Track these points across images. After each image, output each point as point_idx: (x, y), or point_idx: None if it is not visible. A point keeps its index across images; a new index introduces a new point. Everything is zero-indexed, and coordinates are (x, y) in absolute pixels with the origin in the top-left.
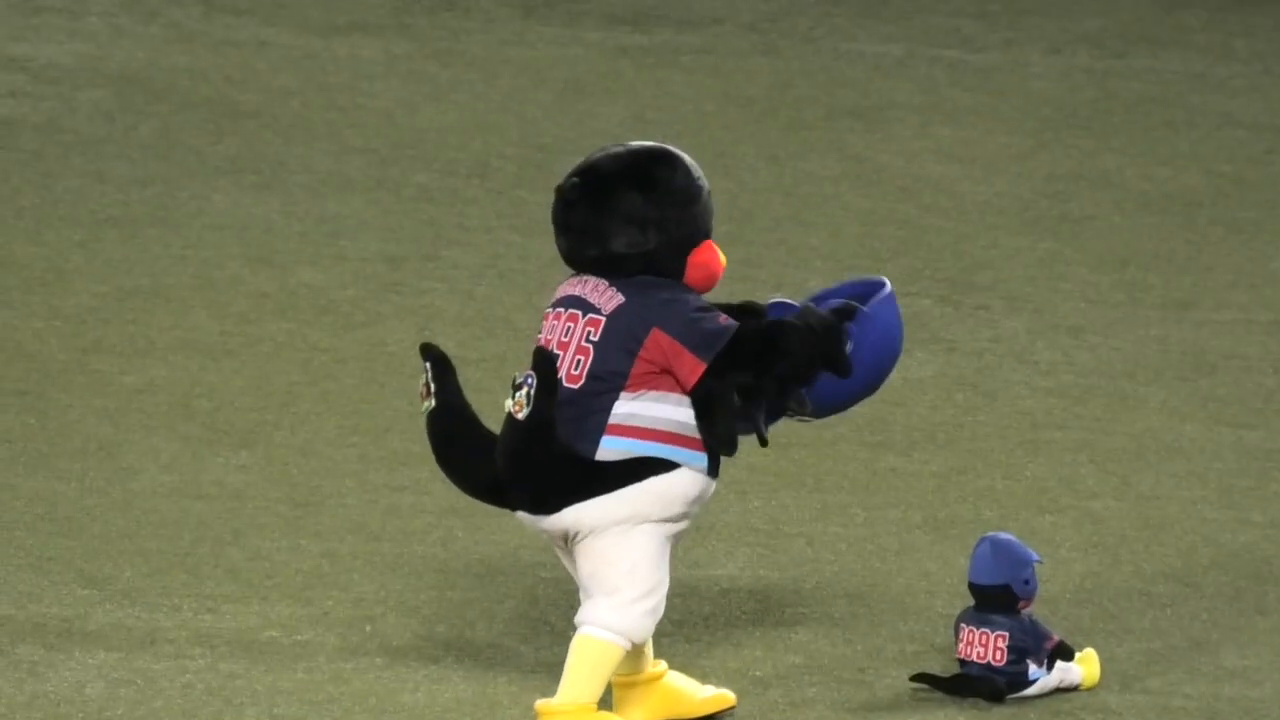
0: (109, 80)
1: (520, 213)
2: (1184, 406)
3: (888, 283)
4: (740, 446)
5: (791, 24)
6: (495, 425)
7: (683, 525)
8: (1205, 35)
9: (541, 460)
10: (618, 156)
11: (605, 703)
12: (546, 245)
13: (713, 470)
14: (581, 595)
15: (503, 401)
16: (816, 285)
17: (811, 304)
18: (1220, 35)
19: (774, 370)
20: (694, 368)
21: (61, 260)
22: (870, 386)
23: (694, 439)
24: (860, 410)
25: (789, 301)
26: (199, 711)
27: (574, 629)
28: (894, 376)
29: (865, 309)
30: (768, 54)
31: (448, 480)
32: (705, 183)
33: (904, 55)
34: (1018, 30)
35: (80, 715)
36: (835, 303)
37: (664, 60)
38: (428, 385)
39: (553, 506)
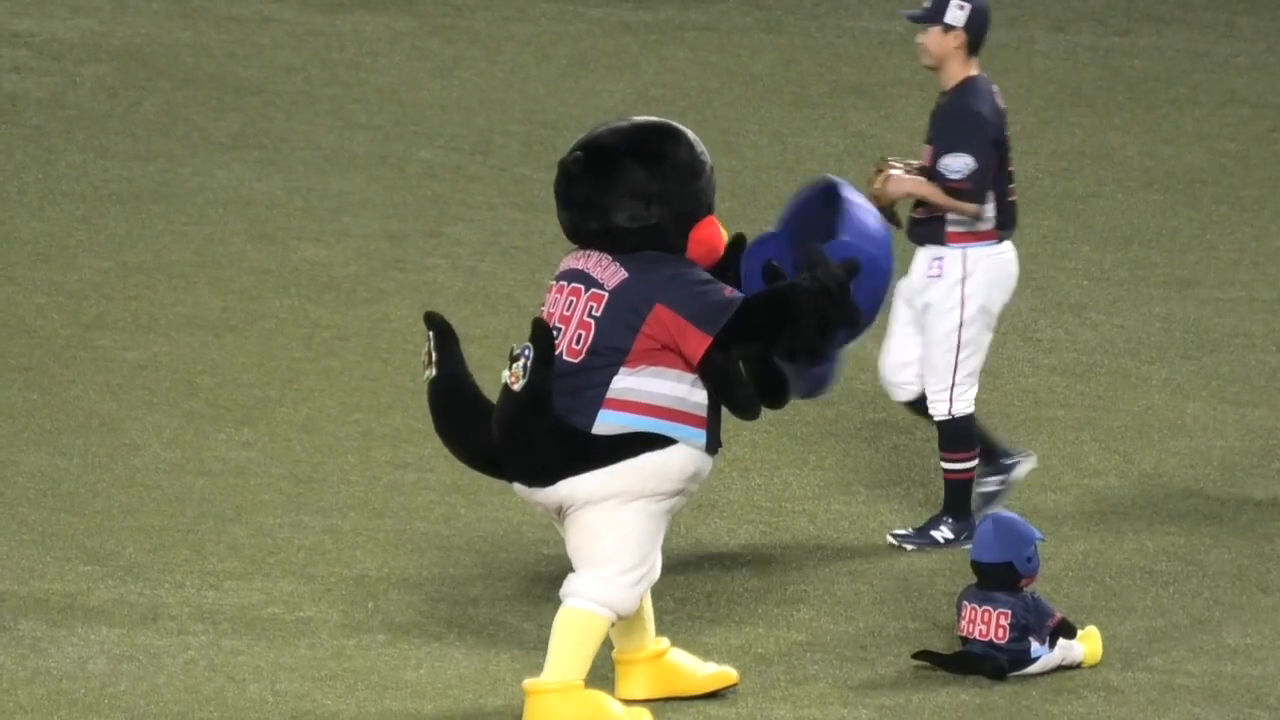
0: (112, 56)
1: (524, 190)
2: (1187, 384)
3: (840, 185)
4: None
5: (794, 3)
6: (495, 398)
7: (678, 501)
8: (1209, 13)
9: (536, 432)
10: (621, 131)
11: (608, 688)
12: (550, 222)
13: (711, 447)
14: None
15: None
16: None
17: (818, 249)
18: (1224, 13)
19: (783, 339)
20: (700, 341)
21: (64, 236)
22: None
23: (692, 415)
24: (862, 388)
25: (773, 232)
26: (202, 687)
27: (560, 601)
28: None
29: (862, 254)
30: (771, 31)
31: (448, 452)
32: (709, 158)
33: (907, 32)
34: (1022, 8)
35: (83, 691)
36: (836, 248)
37: (668, 37)
38: (430, 354)
39: (546, 479)
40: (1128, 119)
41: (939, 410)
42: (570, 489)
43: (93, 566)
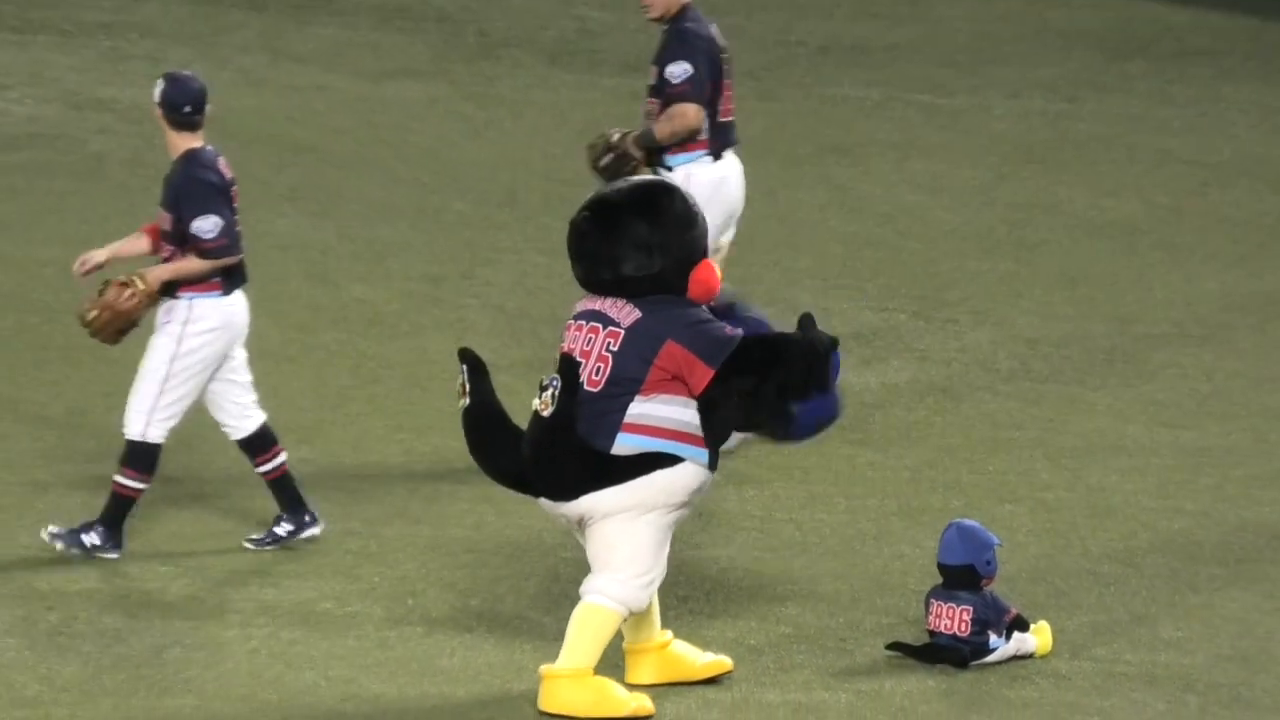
0: None
1: (545, 236)
2: (1127, 410)
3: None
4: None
5: (786, 72)
6: (523, 422)
7: (683, 514)
8: (1146, 82)
9: (562, 453)
10: (622, 190)
11: (617, 673)
12: (568, 265)
13: (712, 464)
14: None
15: (530, 402)
16: (807, 300)
17: (811, 318)
18: (1159, 82)
19: (774, 376)
20: (704, 373)
21: None
22: (833, 417)
23: (697, 437)
24: (846, 412)
25: (754, 316)
26: (263, 673)
27: (579, 597)
28: (873, 382)
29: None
30: (764, 98)
31: (479, 469)
32: (700, 209)
33: (882, 99)
34: (981, 78)
35: (159, 676)
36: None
37: None
38: (464, 385)
39: (570, 494)
40: (1074, 175)
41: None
42: (591, 503)
43: (168, 567)
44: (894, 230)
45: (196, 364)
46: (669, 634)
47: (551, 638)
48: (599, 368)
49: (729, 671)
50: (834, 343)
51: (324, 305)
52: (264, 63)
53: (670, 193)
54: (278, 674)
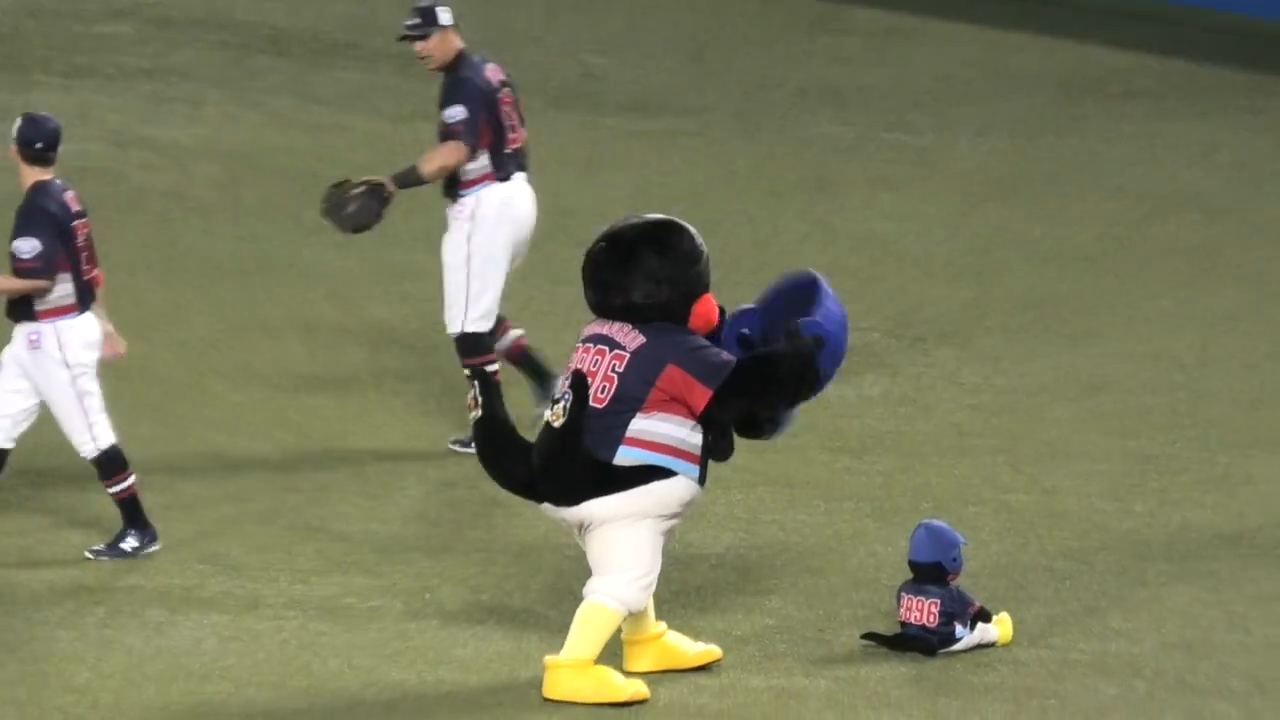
0: (220, 156)
1: (550, 264)
2: (1081, 420)
3: (819, 279)
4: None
5: (768, 113)
6: (530, 434)
7: (675, 523)
8: (1098, 122)
9: (570, 460)
10: (637, 226)
11: (613, 666)
12: (571, 291)
13: (702, 480)
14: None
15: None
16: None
17: (796, 325)
18: (1110, 122)
19: (768, 394)
20: (703, 395)
21: (183, 301)
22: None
23: (690, 453)
24: (821, 422)
25: (750, 308)
26: (293, 661)
27: (583, 596)
28: (849, 394)
29: (826, 333)
30: (748, 137)
31: (489, 476)
32: (705, 248)
33: (856, 138)
34: (946, 118)
35: (197, 665)
36: (808, 325)
37: (665, 141)
38: (476, 399)
39: (574, 499)
40: (1031, 208)
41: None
42: (593, 509)
43: (205, 565)
44: (867, 258)
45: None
46: (663, 625)
47: (556, 630)
48: (605, 386)
49: (718, 660)
50: (819, 343)
51: (347, 325)
52: (291, 104)
53: (680, 231)
54: (306, 662)
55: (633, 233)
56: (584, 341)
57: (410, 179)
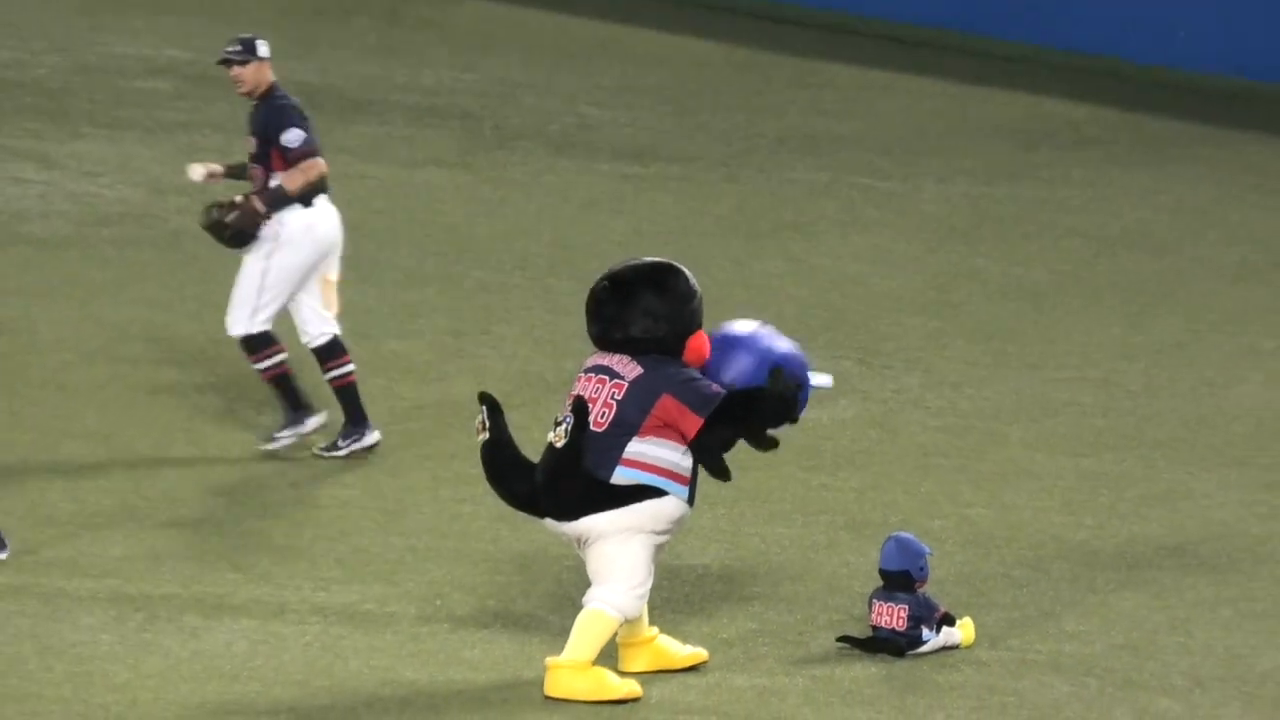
0: None
1: (551, 297)
2: (1035, 441)
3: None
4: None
5: (748, 160)
6: (532, 455)
7: (666, 538)
8: (1050, 169)
9: (570, 478)
10: (636, 267)
11: (609, 667)
12: (570, 322)
13: (690, 500)
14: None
15: (541, 437)
16: None
17: (780, 369)
18: (1063, 168)
19: (752, 422)
20: (695, 422)
21: (216, 336)
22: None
23: (681, 475)
24: (797, 443)
25: (730, 334)
26: (316, 663)
27: (583, 604)
28: (824, 417)
29: (801, 379)
30: (730, 181)
31: (495, 493)
32: (699, 288)
33: (830, 182)
34: (913, 165)
35: (229, 666)
36: (788, 374)
37: (655, 185)
38: (483, 422)
39: (574, 515)
40: (990, 247)
41: None
42: (591, 523)
43: (236, 575)
44: (840, 294)
45: None
46: (655, 630)
47: (557, 634)
48: (605, 412)
49: (705, 661)
50: (798, 387)
51: (366, 357)
52: None
53: (677, 274)
54: (328, 663)
55: (632, 274)
56: (586, 371)
57: (279, 198)
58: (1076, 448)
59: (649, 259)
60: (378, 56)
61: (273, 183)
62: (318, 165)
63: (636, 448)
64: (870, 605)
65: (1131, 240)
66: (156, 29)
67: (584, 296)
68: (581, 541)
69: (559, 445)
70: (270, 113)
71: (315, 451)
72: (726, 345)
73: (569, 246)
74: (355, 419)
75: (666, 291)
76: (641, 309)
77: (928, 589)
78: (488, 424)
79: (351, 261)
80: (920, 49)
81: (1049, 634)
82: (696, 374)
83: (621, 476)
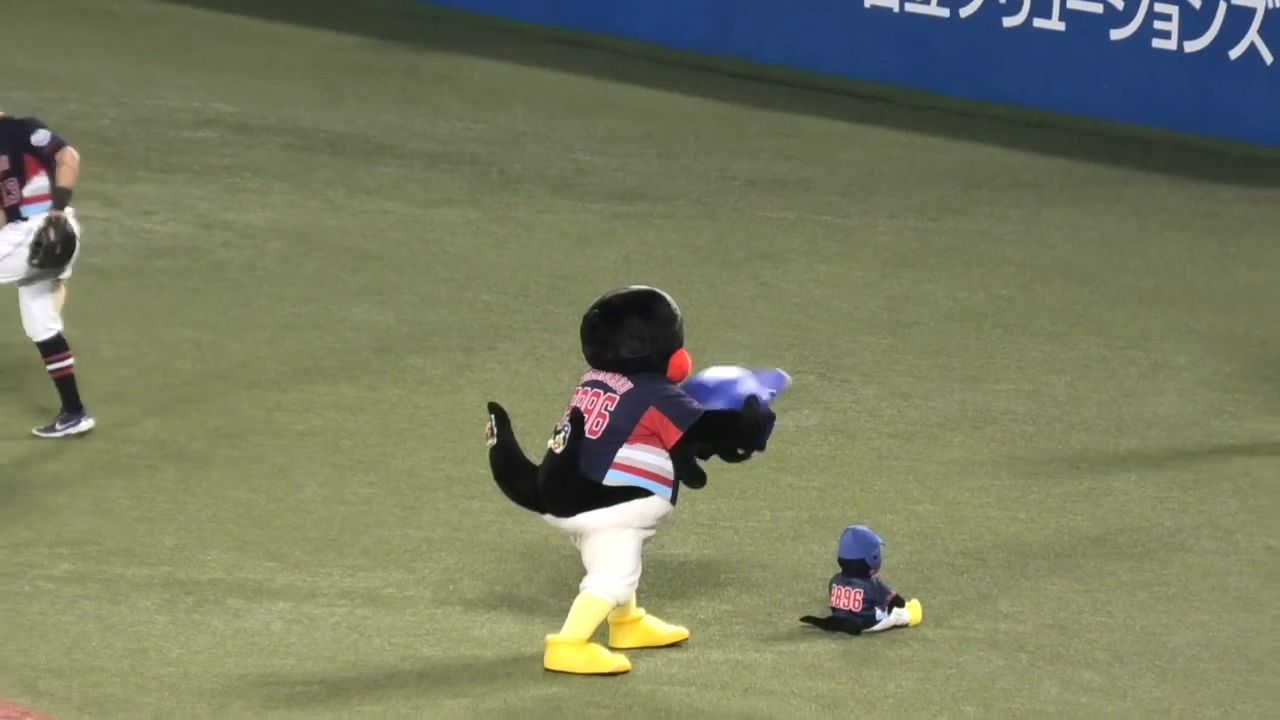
0: (286, 235)
1: (550, 320)
2: (975, 445)
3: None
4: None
5: (723, 199)
6: (534, 458)
7: (652, 532)
8: (989, 207)
9: (568, 480)
10: (624, 295)
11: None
12: (567, 341)
13: (673, 499)
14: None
15: (538, 441)
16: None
17: (755, 398)
18: (1000, 207)
19: (725, 440)
20: (675, 434)
21: (256, 352)
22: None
23: (665, 478)
24: (768, 448)
25: (706, 382)
26: (343, 640)
27: (580, 589)
28: (790, 425)
29: (770, 413)
30: (708, 218)
31: (501, 492)
32: (680, 311)
33: (796, 219)
34: (869, 204)
35: (268, 643)
36: (765, 403)
37: (642, 222)
38: (491, 429)
39: (571, 512)
40: (937, 274)
41: None
42: (585, 520)
43: (274, 563)
44: (804, 315)
45: None
46: (642, 611)
47: (556, 614)
48: (599, 422)
49: (686, 638)
50: (771, 416)
51: (386, 370)
52: (343, 194)
53: (660, 299)
54: (354, 641)
55: (620, 301)
56: (582, 385)
57: (64, 198)
58: (1011, 451)
59: (635, 286)
60: (398, 107)
61: (59, 184)
62: (72, 151)
63: (626, 453)
64: (830, 589)
65: (1060, 269)
66: (204, 85)
67: (579, 320)
68: (578, 535)
69: (558, 451)
70: (12, 127)
71: (34, 432)
72: (708, 388)
73: (566, 276)
74: (72, 407)
75: (651, 316)
76: (629, 333)
77: (881, 575)
78: (495, 430)
79: (374, 287)
80: (875, 102)
81: (986, 614)
82: (680, 390)
83: (613, 479)
